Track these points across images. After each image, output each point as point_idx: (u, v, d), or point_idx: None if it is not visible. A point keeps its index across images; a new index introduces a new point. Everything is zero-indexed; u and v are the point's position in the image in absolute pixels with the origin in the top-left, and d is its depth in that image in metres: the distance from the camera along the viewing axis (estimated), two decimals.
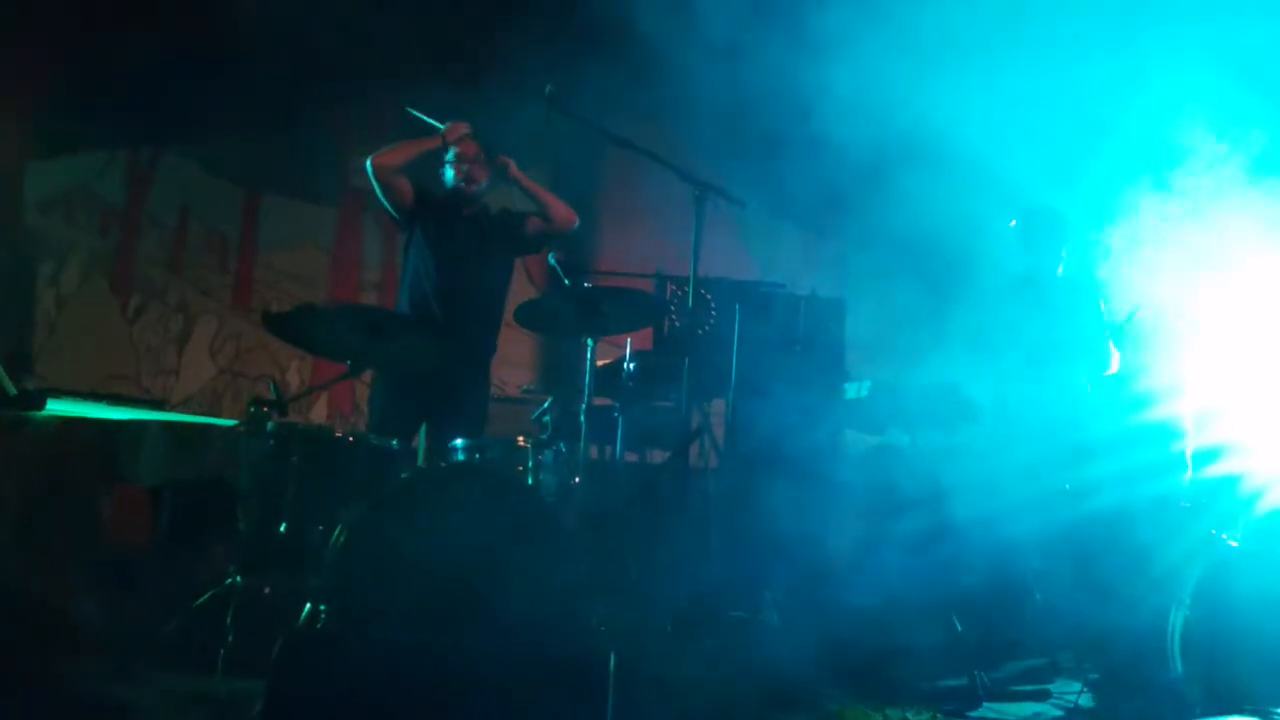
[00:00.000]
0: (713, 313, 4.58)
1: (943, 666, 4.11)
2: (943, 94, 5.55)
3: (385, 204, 4.35)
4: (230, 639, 3.34)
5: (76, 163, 6.67)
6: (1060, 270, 4.89)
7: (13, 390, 4.16)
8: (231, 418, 6.04)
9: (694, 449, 4.59)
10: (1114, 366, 4.70)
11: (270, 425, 3.59)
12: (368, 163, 4.32)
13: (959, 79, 5.60)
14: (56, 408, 4.20)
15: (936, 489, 4.76)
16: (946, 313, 7.28)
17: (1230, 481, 4.33)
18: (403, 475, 3.73)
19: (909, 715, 2.66)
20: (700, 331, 3.91)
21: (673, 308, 4.90)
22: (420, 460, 4.17)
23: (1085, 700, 3.83)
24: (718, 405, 5.63)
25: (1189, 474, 4.53)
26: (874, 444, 5.32)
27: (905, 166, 5.80)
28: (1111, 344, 4.63)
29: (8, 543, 4.01)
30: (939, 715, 2.71)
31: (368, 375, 4.61)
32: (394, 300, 4.65)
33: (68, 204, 6.63)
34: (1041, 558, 4.91)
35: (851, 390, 4.44)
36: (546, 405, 4.09)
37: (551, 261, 3.87)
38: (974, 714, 3.52)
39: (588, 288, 3.81)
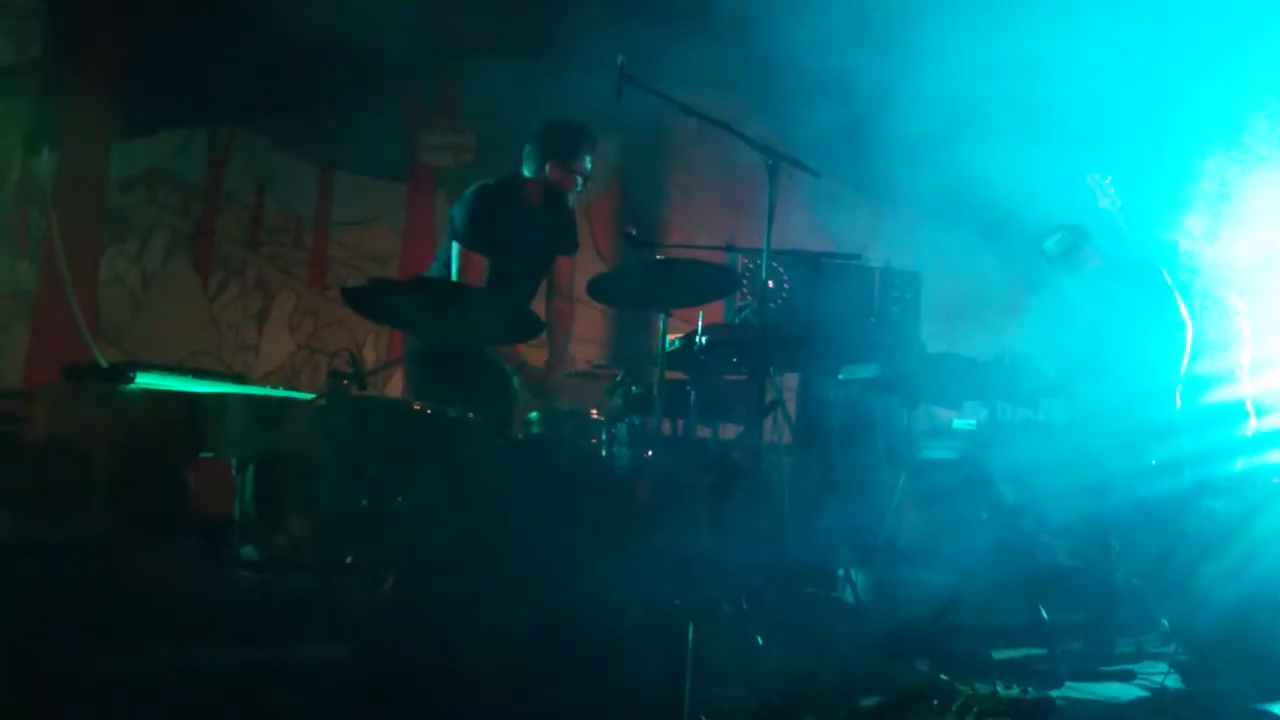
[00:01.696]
0: (785, 285, 4.53)
1: (1023, 645, 4.06)
2: (1018, 59, 5.43)
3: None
4: (315, 606, 3.42)
5: (156, 143, 6.80)
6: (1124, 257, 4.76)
7: (103, 363, 4.29)
8: (310, 392, 6.15)
9: (767, 423, 4.55)
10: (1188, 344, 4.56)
11: (351, 398, 3.64)
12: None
13: (1035, 43, 5.47)
14: (144, 381, 4.31)
15: (1014, 465, 4.68)
16: (1022, 285, 7.16)
17: None
18: (474, 447, 3.76)
19: (999, 689, 2.62)
20: (773, 304, 3.87)
21: (745, 280, 4.86)
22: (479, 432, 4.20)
23: (1172, 681, 3.75)
24: (789, 379, 5.60)
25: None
26: (951, 419, 5.25)
27: (979, 135, 5.69)
28: (1187, 321, 4.49)
29: (99, 513, 4.14)
30: (1030, 689, 2.66)
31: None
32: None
33: (149, 183, 6.78)
34: (1122, 537, 4.81)
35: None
36: (619, 379, 4.09)
37: (631, 233, 3.86)
38: (1057, 693, 3.46)
39: (660, 260, 3.79)
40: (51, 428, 4.18)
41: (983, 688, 2.68)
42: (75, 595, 3.23)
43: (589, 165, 4.45)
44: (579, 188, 4.45)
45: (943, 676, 2.85)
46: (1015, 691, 2.59)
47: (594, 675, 2.70)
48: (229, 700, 3.06)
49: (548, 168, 4.42)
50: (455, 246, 4.32)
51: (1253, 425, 4.75)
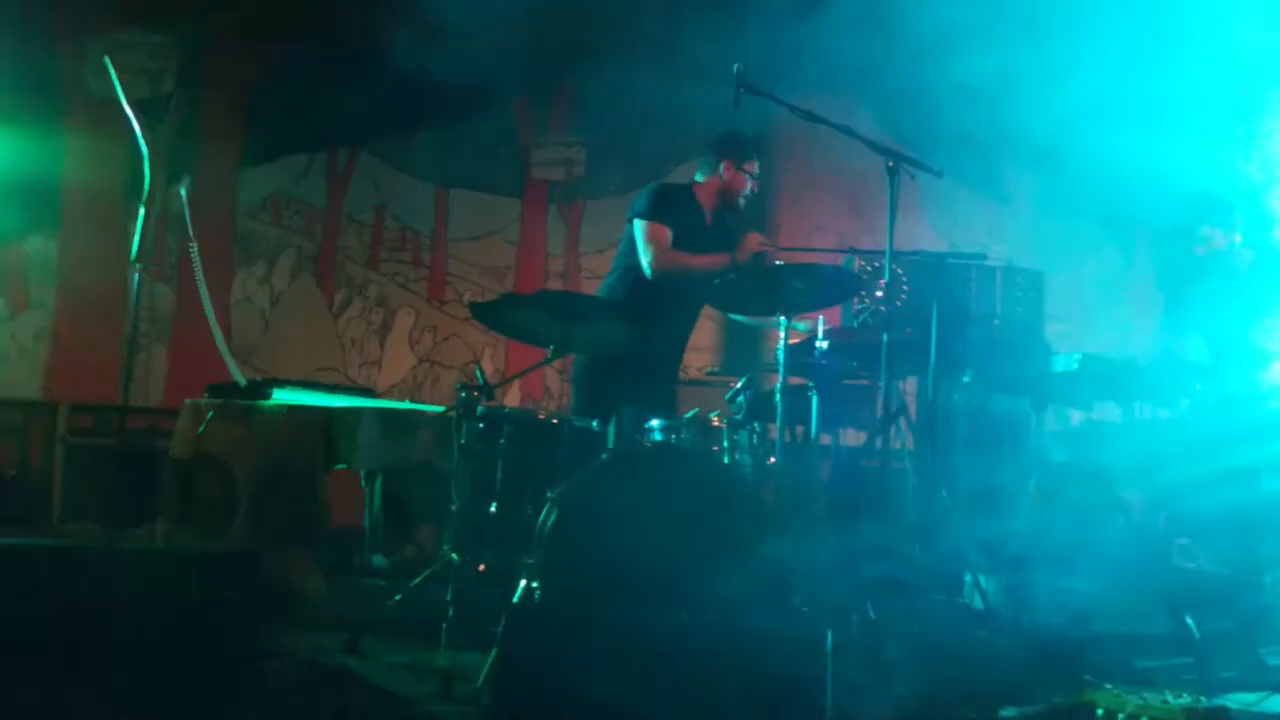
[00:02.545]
0: (904, 287, 4.46)
1: (1165, 654, 3.90)
2: (1139, 46, 5.27)
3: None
4: (451, 614, 3.49)
5: (280, 168, 7.08)
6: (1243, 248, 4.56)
7: (243, 381, 4.47)
8: (431, 404, 6.31)
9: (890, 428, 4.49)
10: None
11: (479, 409, 3.72)
12: (648, 268, 4.33)
13: (1155, 30, 5.31)
14: (281, 396, 4.47)
15: (1152, 467, 4.51)
16: (1149, 279, 6.92)
17: None
18: (603, 455, 3.80)
19: (1168, 698, 2.51)
20: (894, 306, 3.81)
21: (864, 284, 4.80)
22: (610, 442, 4.24)
23: None
24: (907, 384, 5.51)
25: None
26: (1083, 419, 5.10)
27: (1100, 127, 5.53)
28: None
29: (242, 523, 4.30)
30: (1201, 699, 2.55)
31: (558, 362, 4.72)
32: (597, 284, 4.75)
33: (275, 207, 7.05)
34: (1272, 542, 4.60)
35: (1060, 364, 4.25)
36: (740, 385, 4.08)
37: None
38: (1208, 703, 3.32)
39: (780, 265, 3.78)
40: (197, 443, 4.36)
41: (1151, 697, 2.58)
42: (226, 601, 3.35)
43: (759, 169, 4.53)
44: (749, 189, 4.50)
45: (1106, 685, 2.75)
46: (1186, 700, 2.49)
47: (733, 685, 2.69)
48: (374, 703, 3.14)
49: (722, 168, 4.47)
50: (638, 225, 4.36)
51: None
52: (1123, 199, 6.34)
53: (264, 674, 3.17)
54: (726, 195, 4.50)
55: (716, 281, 3.89)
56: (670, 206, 4.40)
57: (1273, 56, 5.51)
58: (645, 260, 4.33)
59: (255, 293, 6.99)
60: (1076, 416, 5.68)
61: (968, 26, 5.23)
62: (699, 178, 4.58)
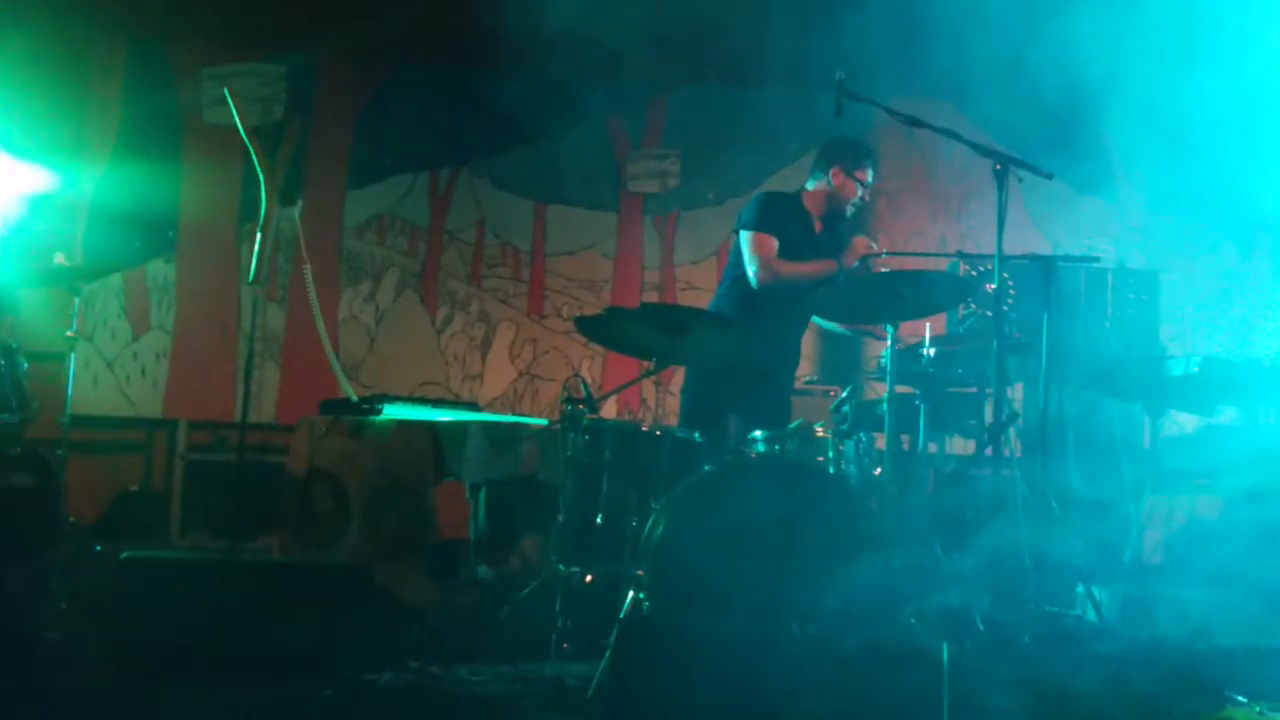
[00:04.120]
0: (1011, 292, 4.37)
1: None
2: (1250, 43, 5.08)
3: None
4: (560, 624, 3.52)
5: (384, 189, 7.26)
6: None
7: (354, 397, 4.59)
8: (532, 417, 6.39)
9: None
10: None
11: (584, 421, 3.76)
12: (753, 279, 4.33)
13: (1264, 30, 5.11)
14: (391, 412, 4.58)
15: (1276, 473, 4.33)
16: (1269, 279, 6.64)
17: None
18: (707, 466, 3.80)
19: None
20: (999, 312, 3.73)
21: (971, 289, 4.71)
22: (710, 453, 4.23)
23: None
24: (1016, 390, 5.38)
25: None
26: (1203, 425, 4.92)
27: (1212, 124, 5.34)
28: None
29: (355, 536, 4.42)
30: None
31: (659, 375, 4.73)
32: (692, 296, 4.77)
33: (379, 227, 7.24)
34: None
35: (1178, 367, 4.10)
36: (846, 395, 4.04)
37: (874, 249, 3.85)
38: None
39: (888, 272, 3.73)
40: (311, 457, 4.49)
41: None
42: (342, 612, 3.44)
43: (870, 178, 4.46)
44: (859, 197, 4.45)
45: (1241, 699, 2.64)
46: None
47: (844, 699, 2.66)
48: (484, 713, 3.19)
49: (831, 175, 4.45)
50: (744, 235, 4.35)
51: None
52: (1239, 194, 6.10)
53: (376, 685, 3.25)
54: (835, 202, 4.45)
55: (822, 290, 3.85)
56: (777, 215, 4.37)
57: None
58: (751, 271, 4.32)
59: (361, 311, 7.18)
60: (1190, 422, 5.47)
61: (1070, 21, 5.11)
62: (809, 185, 4.54)
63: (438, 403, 5.16)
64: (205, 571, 3.63)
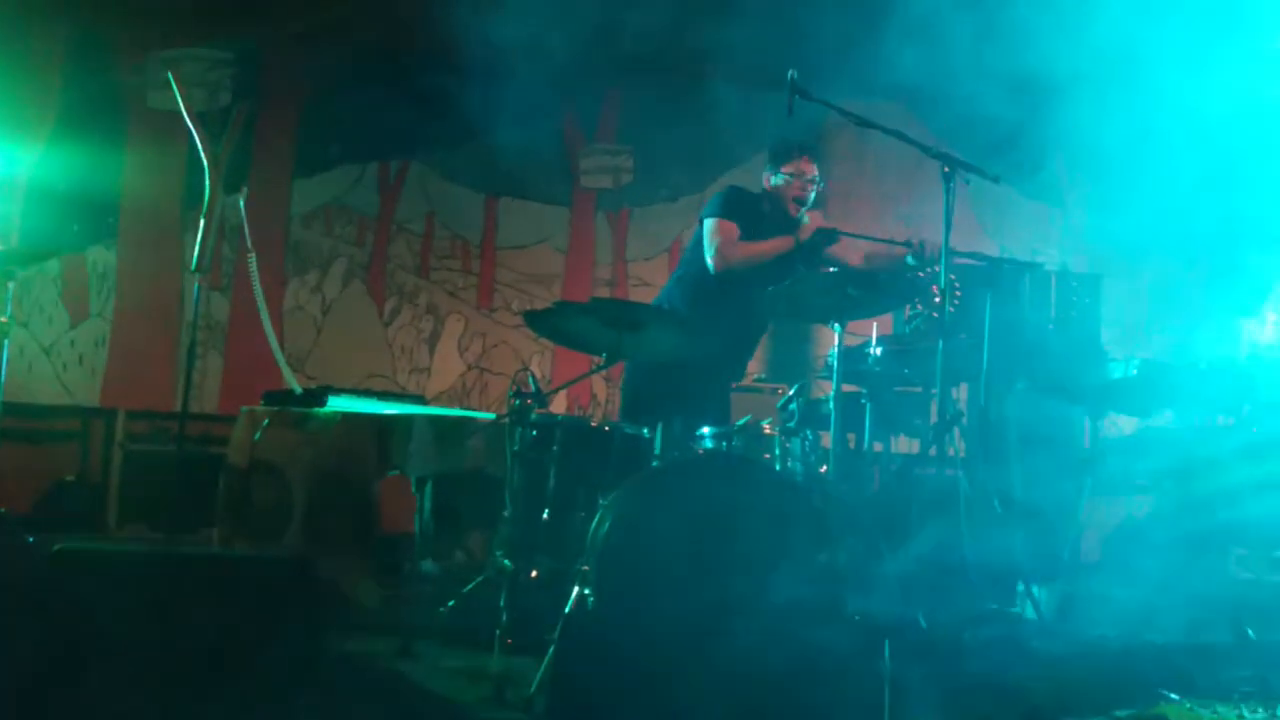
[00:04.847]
0: (958, 293, 4.42)
1: (1230, 665, 3.81)
2: (1196, 55, 5.18)
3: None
4: (504, 619, 3.50)
5: (332, 179, 7.17)
6: None
7: (298, 389, 4.52)
8: (479, 411, 6.35)
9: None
10: None
11: (532, 416, 3.74)
12: (711, 262, 4.32)
13: (1213, 45, 5.22)
14: (336, 404, 4.52)
15: (1212, 475, 4.43)
16: (1206, 285, 6.79)
17: None
18: (654, 463, 3.80)
19: (1244, 713, 2.46)
20: (945, 313, 3.77)
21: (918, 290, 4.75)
22: (658, 449, 4.24)
23: None
24: (962, 390, 5.45)
25: None
26: (1141, 427, 5.02)
27: (1156, 133, 5.44)
28: None
29: (297, 530, 4.35)
30: (1278, 713, 2.49)
31: (606, 370, 4.72)
32: (644, 291, 4.76)
33: (326, 217, 7.14)
34: None
35: (1118, 370, 4.18)
36: (794, 392, 4.06)
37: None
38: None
39: (834, 271, 3.75)
40: (253, 449, 4.42)
41: (1225, 711, 2.52)
42: (282, 606, 3.39)
43: (815, 169, 4.46)
44: (813, 189, 4.44)
45: (1173, 696, 2.70)
46: (1262, 715, 2.43)
47: (787, 694, 2.67)
48: (427, 708, 3.16)
49: (780, 171, 4.47)
50: (708, 223, 4.35)
51: None
52: (1180, 203, 6.23)
53: (317, 679, 3.20)
54: (791, 197, 4.47)
55: (772, 289, 3.84)
56: (741, 206, 4.38)
57: None
58: (709, 256, 4.30)
59: (307, 301, 7.09)
60: (1128, 424, 5.58)
61: (1022, 28, 5.18)
62: (766, 183, 4.57)
63: (384, 395, 5.11)
64: (142, 564, 3.55)
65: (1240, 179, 5.46)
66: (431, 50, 6.75)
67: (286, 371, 4.70)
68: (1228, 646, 3.92)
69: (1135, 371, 4.12)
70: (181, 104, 4.31)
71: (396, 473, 4.63)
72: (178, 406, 4.52)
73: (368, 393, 5.09)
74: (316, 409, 4.42)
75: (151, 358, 6.79)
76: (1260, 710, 2.52)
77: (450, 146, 7.16)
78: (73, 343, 6.76)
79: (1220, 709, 2.61)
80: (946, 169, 3.65)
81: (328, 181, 7.16)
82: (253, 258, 4.63)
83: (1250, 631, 3.81)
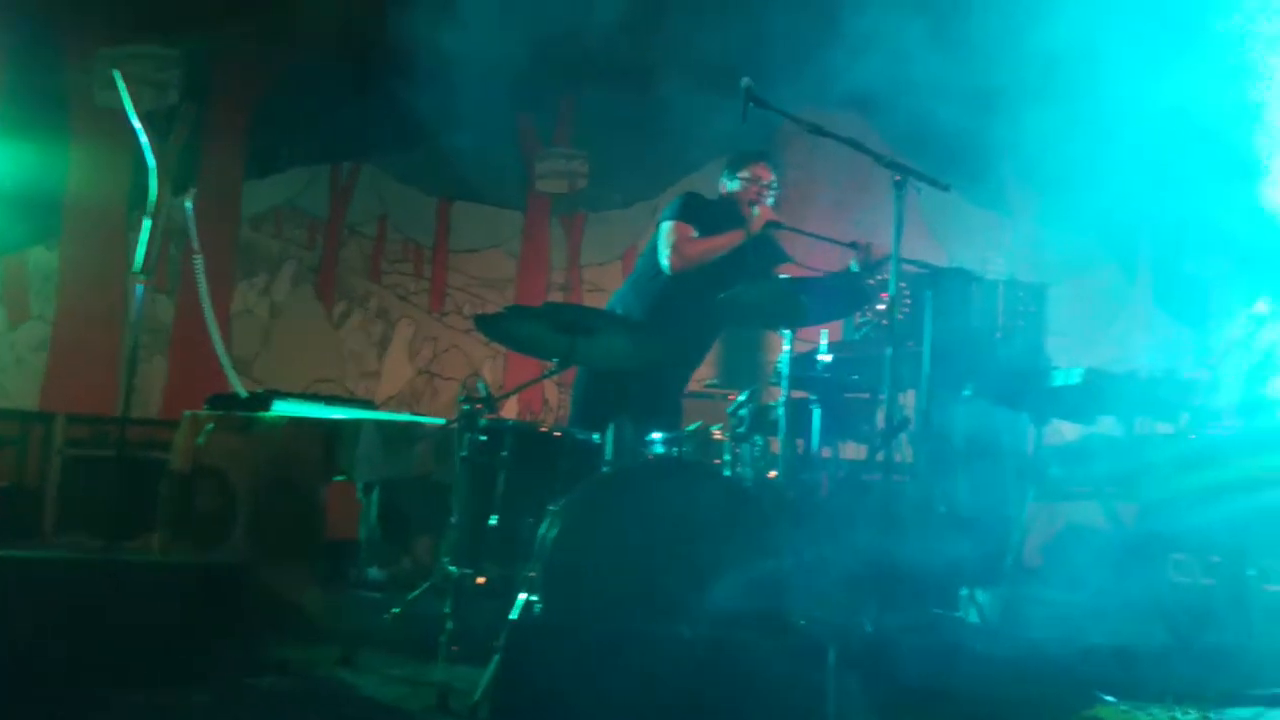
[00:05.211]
0: (907, 301, 4.46)
1: (1166, 667, 3.89)
2: (1144, 63, 5.28)
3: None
4: (449, 627, 3.47)
5: (283, 180, 7.10)
6: None
7: (243, 392, 4.46)
8: (429, 416, 6.30)
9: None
10: None
11: (481, 421, 3.71)
12: (666, 262, 4.34)
13: (1158, 58, 5.32)
14: (282, 408, 4.46)
15: (1151, 482, 4.51)
16: (1148, 295, 6.93)
17: None
18: (604, 468, 3.79)
19: (1176, 714, 2.50)
20: (894, 320, 3.81)
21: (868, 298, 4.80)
22: (609, 454, 4.24)
23: None
24: (910, 396, 5.50)
25: None
26: (1084, 434, 5.10)
27: (1102, 146, 5.54)
28: None
29: (240, 536, 4.29)
30: (1209, 715, 2.54)
31: (558, 375, 4.72)
32: (598, 297, 4.75)
33: (277, 219, 7.06)
34: (1265, 553, 4.60)
35: (1061, 377, 4.24)
36: (744, 398, 4.07)
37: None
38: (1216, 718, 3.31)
39: (786, 279, 3.77)
40: (196, 454, 4.34)
41: (1159, 713, 2.56)
42: (222, 615, 3.34)
43: (771, 174, 4.52)
44: (770, 195, 4.49)
45: (1110, 699, 2.74)
46: (1194, 716, 2.48)
47: (733, 700, 2.68)
48: (369, 716, 3.13)
49: (737, 177, 4.52)
50: (665, 225, 4.38)
51: None
52: (1124, 215, 6.35)
53: (256, 689, 3.15)
54: (741, 205, 4.50)
55: (724, 295, 3.85)
56: (700, 210, 4.41)
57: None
58: (665, 255, 4.33)
59: (256, 304, 7.00)
60: (1071, 431, 5.67)
61: (974, 41, 5.25)
62: (723, 190, 4.62)
63: (331, 400, 5.05)
64: (78, 572, 3.47)
65: (1181, 191, 5.58)
66: (385, 53, 6.70)
67: (232, 375, 4.63)
68: (1164, 649, 3.99)
69: (1078, 379, 4.18)
70: (128, 102, 4.24)
71: (343, 478, 4.58)
72: (119, 411, 4.42)
73: (315, 397, 5.04)
74: (262, 413, 4.35)
75: (93, 361, 6.66)
76: (1193, 712, 2.57)
77: (403, 149, 7.11)
78: (11, 345, 6.62)
79: (1155, 711, 2.66)
80: (898, 177, 3.68)
81: (278, 183, 7.08)
82: (199, 259, 4.56)
83: (1183, 634, 3.88)
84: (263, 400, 4.39)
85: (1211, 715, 2.55)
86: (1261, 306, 5.07)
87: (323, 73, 6.92)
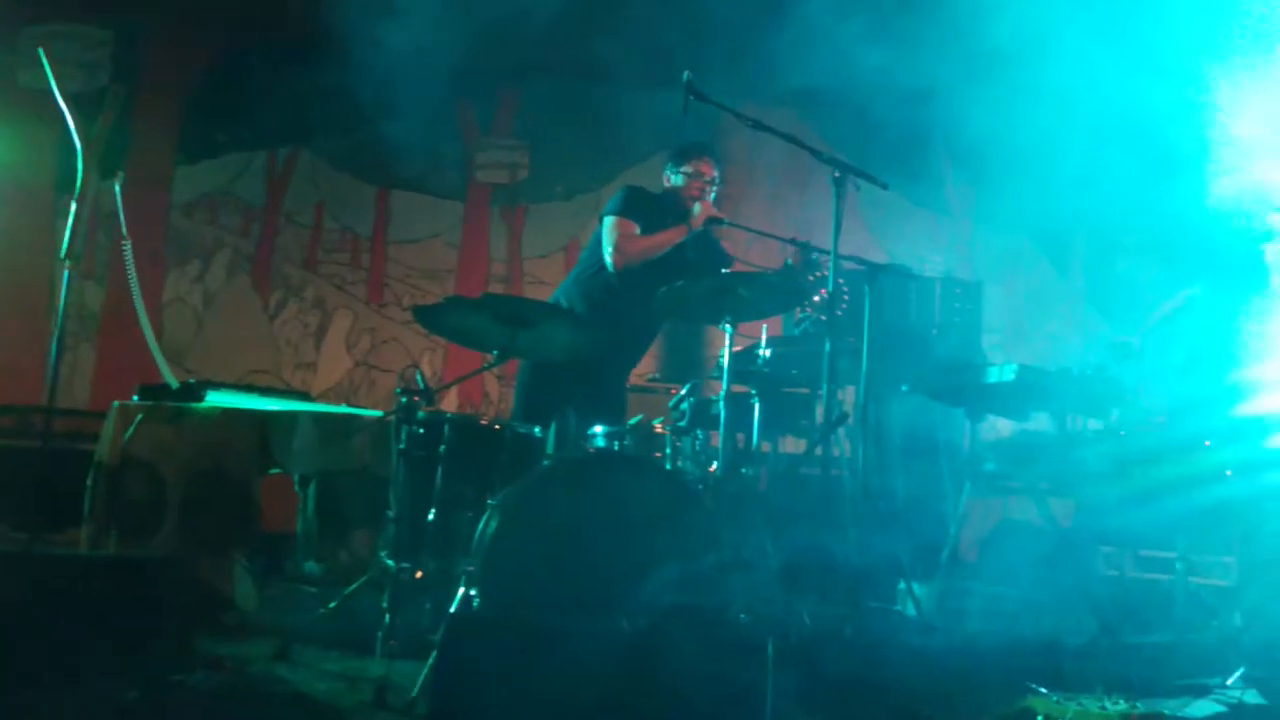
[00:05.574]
0: (846, 297, 4.50)
1: (1097, 659, 3.97)
2: (1079, 64, 5.38)
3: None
4: (386, 621, 3.43)
5: (218, 166, 6.94)
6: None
7: (174, 383, 4.36)
8: (367, 408, 6.22)
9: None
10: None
11: (419, 413, 3.67)
12: (610, 259, 4.34)
13: (1099, 49, 5.42)
14: (215, 399, 4.37)
15: (1084, 475, 4.61)
16: (1081, 295, 7.08)
17: None
18: (545, 462, 3.78)
19: (1105, 704, 2.56)
20: (834, 315, 3.84)
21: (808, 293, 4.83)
22: (550, 448, 4.22)
23: (1251, 696, 3.65)
24: (849, 392, 5.56)
25: None
26: (1017, 429, 5.19)
27: (1037, 147, 5.64)
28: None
29: (171, 529, 4.19)
30: (1138, 705, 2.60)
31: (498, 368, 4.69)
32: (539, 289, 4.73)
33: (211, 206, 6.91)
34: (1194, 548, 4.73)
35: (996, 374, 4.32)
36: (685, 392, 4.08)
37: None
38: (1144, 709, 3.39)
39: (726, 273, 3.78)
40: (125, 446, 4.24)
41: (1089, 703, 2.62)
42: (152, 609, 3.26)
43: (715, 169, 4.53)
44: (709, 195, 4.49)
45: (1042, 691, 2.79)
46: (1122, 706, 2.53)
47: (673, 694, 2.68)
48: (304, 713, 3.08)
49: (679, 172, 4.52)
50: (608, 221, 4.38)
51: None
52: (1056, 215, 6.47)
53: (186, 685, 3.09)
54: (683, 200, 4.50)
55: (664, 289, 3.85)
56: (642, 205, 4.41)
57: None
58: (607, 254, 4.34)
59: (189, 293, 6.85)
60: (1006, 426, 5.78)
61: (913, 41, 5.31)
62: (666, 183, 4.62)
63: (267, 391, 4.96)
64: (1, 566, 3.37)
65: (1113, 191, 5.70)
66: (324, 37, 6.57)
67: (163, 365, 4.52)
68: (1093, 641, 4.08)
69: (1012, 376, 4.25)
70: (53, 82, 4.10)
71: (279, 471, 4.51)
72: (45, 400, 4.30)
73: (250, 388, 4.94)
74: (194, 404, 4.26)
75: (18, 349, 6.47)
76: (1121, 702, 2.64)
77: (341, 136, 7.00)
78: None
79: (1085, 701, 2.72)
80: (837, 174, 3.71)
81: (213, 169, 6.93)
82: (126, 245, 4.44)
83: (1113, 626, 3.97)
84: (195, 391, 4.30)
85: (1139, 705, 2.62)
86: (1176, 302, 5.21)
87: (258, 56, 6.77)
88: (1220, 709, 3.58)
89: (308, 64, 6.70)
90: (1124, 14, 5.31)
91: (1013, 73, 5.16)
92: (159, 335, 6.32)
